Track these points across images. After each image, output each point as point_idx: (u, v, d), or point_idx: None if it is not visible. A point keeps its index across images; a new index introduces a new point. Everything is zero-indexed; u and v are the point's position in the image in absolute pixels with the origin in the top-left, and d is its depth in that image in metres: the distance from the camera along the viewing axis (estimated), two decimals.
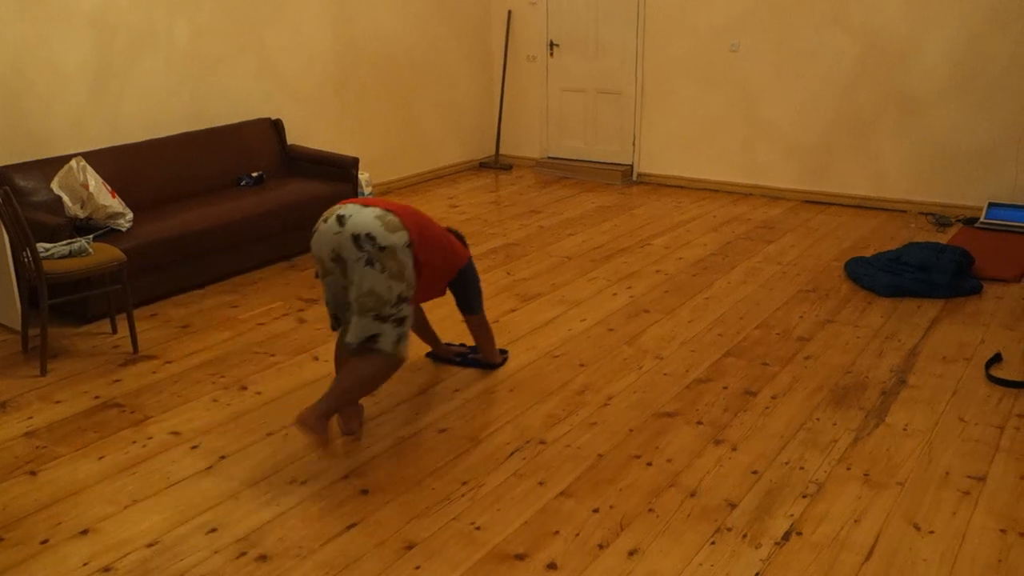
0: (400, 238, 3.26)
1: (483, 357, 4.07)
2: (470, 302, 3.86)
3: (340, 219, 3.28)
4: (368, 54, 7.10)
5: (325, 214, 3.37)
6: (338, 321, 3.52)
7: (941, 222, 6.35)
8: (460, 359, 4.13)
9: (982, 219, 6.22)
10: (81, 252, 4.19)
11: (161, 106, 5.67)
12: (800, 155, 7.09)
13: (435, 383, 3.93)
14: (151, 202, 5.31)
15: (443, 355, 4.16)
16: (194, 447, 3.42)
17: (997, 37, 6.16)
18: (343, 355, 3.52)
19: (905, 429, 3.50)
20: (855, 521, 2.91)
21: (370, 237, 3.22)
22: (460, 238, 3.88)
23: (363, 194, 6.11)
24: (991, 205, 6.25)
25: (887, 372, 4.01)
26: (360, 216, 3.27)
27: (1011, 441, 3.40)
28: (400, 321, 3.27)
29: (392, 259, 3.23)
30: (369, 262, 3.21)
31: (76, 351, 4.32)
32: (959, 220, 6.39)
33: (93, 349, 4.34)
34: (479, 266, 5.46)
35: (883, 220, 6.52)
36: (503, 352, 4.20)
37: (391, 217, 3.30)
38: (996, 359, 4.10)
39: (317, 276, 3.43)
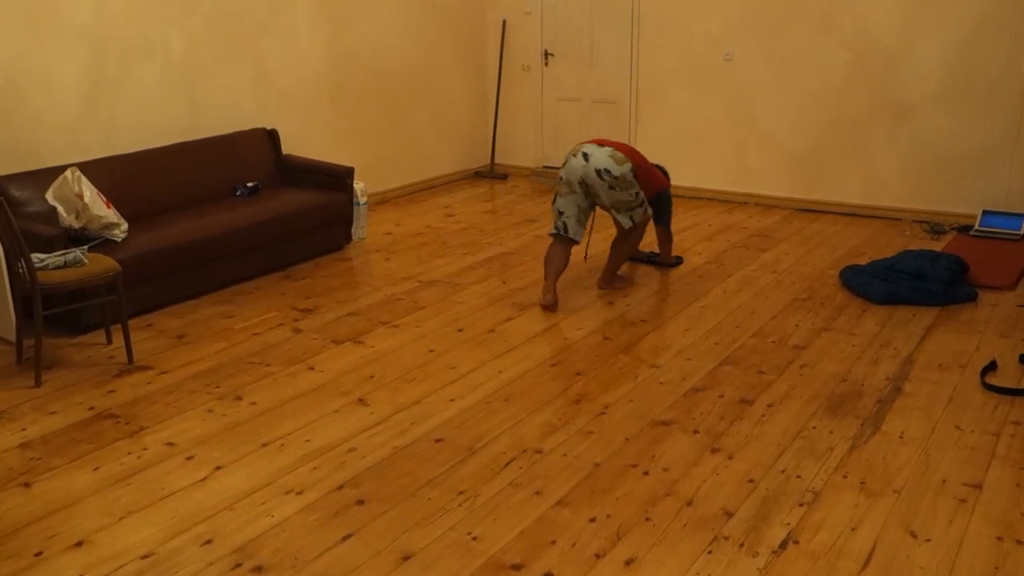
0: (626, 168, 4.87)
1: (662, 259, 5.65)
2: (662, 216, 5.46)
3: (585, 156, 4.86)
4: (363, 64, 7.11)
5: (573, 149, 4.98)
6: (564, 228, 4.95)
7: (935, 230, 6.36)
8: (645, 260, 5.72)
9: (976, 227, 6.24)
10: (76, 263, 4.18)
11: (156, 116, 5.67)
12: (794, 163, 7.11)
13: (430, 393, 3.93)
14: (146, 212, 5.29)
15: (635, 255, 5.68)
16: (189, 458, 3.41)
17: (990, 43, 6.18)
18: (557, 254, 4.99)
19: (901, 437, 3.51)
20: (852, 529, 2.91)
21: (607, 171, 4.82)
22: (664, 172, 5.47)
23: (358, 204, 6.12)
24: (985, 212, 6.27)
25: (883, 380, 4.02)
26: (598, 154, 4.85)
27: (1007, 448, 3.41)
28: (643, 203, 5.05)
29: (624, 181, 4.87)
30: (611, 187, 4.86)
31: (71, 362, 4.31)
32: (953, 228, 6.40)
33: (88, 360, 4.33)
34: (476, 274, 5.50)
35: (877, 228, 6.53)
36: (677, 258, 5.73)
37: (618, 154, 4.87)
38: (991, 366, 4.11)
39: (557, 196, 5.02)
